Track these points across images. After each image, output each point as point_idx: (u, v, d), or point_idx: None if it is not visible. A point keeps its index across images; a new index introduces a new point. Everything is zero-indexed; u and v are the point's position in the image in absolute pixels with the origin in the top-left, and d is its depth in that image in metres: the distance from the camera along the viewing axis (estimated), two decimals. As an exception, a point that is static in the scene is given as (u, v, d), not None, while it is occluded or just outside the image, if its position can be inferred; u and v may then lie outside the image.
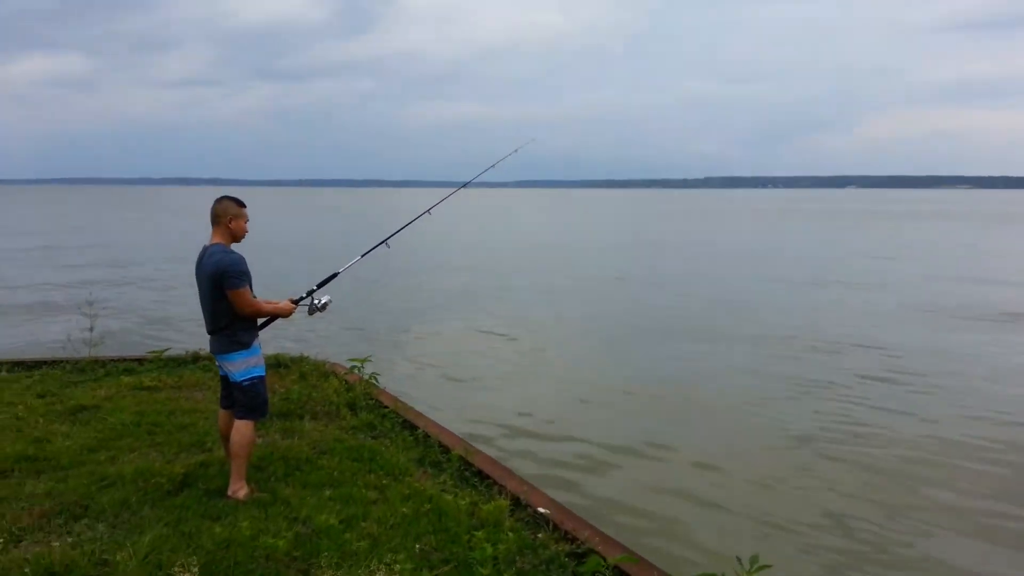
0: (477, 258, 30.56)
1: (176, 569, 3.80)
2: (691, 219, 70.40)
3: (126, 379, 7.78)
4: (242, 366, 4.87)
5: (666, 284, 22.80)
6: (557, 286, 22.13)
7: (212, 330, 4.89)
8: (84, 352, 8.64)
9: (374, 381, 7.26)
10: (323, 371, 8.07)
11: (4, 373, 8.21)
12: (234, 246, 4.91)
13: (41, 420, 6.39)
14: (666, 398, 10.47)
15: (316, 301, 5.22)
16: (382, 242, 5.74)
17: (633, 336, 14.96)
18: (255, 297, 4.91)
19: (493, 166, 6.87)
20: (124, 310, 17.28)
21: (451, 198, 6.71)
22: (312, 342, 12.48)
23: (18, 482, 5.03)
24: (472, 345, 13.69)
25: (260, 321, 5.05)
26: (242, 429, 4.90)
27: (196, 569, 3.81)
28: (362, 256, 5.62)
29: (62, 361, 8.56)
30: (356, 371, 7.38)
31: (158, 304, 18.29)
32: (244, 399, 4.91)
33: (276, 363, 8.41)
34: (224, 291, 4.76)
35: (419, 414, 6.74)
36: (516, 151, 7.16)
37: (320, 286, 5.32)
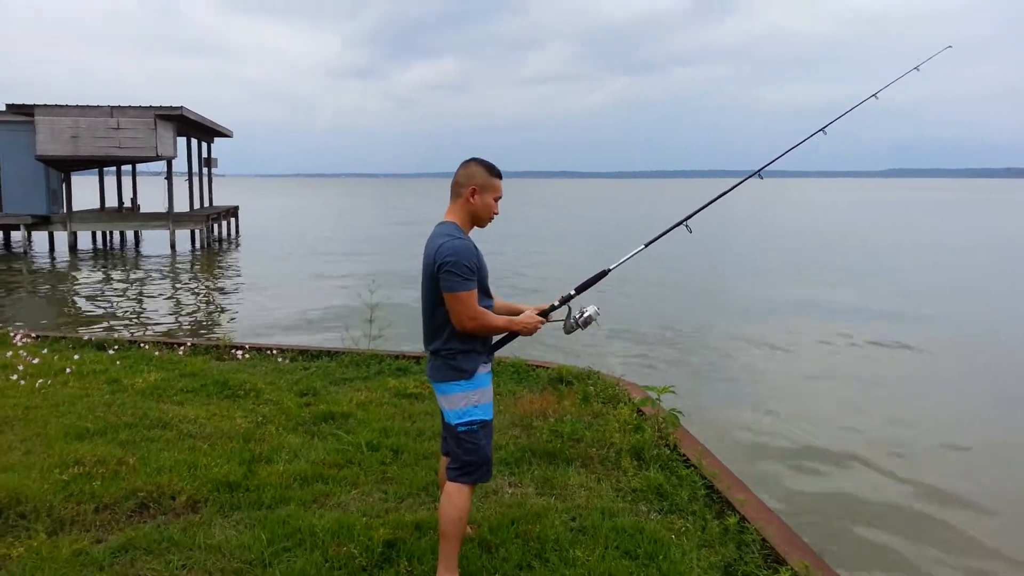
0: (828, 257, 26.52)
1: None
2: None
3: (392, 382, 6.75)
4: (460, 403, 3.27)
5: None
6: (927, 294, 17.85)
7: (427, 345, 3.36)
8: (365, 345, 7.90)
9: (676, 417, 5.25)
10: (613, 394, 6.25)
11: (287, 363, 7.74)
12: (474, 232, 3.38)
13: (278, 430, 5.48)
14: None
15: (576, 315, 3.43)
16: (679, 223, 3.74)
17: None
18: (486, 307, 3.29)
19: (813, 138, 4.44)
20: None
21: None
22: (580, 354, 10.81)
23: (199, 521, 3.98)
24: (819, 370, 10.82)
25: (495, 339, 3.39)
26: (452, 496, 3.29)
27: None
28: (647, 245, 3.67)
29: (343, 352, 7.89)
30: (652, 404, 5.41)
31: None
32: (458, 452, 3.30)
33: (558, 378, 6.79)
34: (439, 292, 3.20)
35: (735, 480, 4.58)
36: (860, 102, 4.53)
37: (581, 290, 3.50)
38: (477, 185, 3.28)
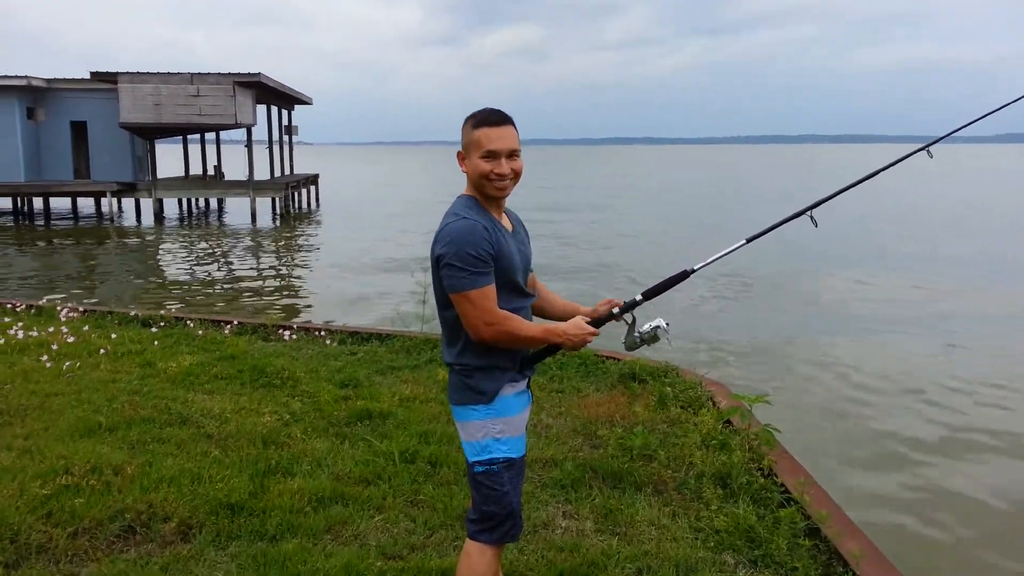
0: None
1: None
2: None
3: (442, 373, 5.99)
4: (477, 433, 2.48)
5: None
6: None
7: (444, 356, 2.58)
8: (417, 327, 7.20)
9: (771, 435, 4.29)
10: (694, 396, 5.32)
11: (335, 345, 7.11)
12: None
13: (305, 431, 4.80)
14: None
15: (641, 328, 2.55)
16: (801, 213, 2.73)
17: None
18: (516, 309, 2.47)
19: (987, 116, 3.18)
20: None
21: (911, 160, 3.21)
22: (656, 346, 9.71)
23: (187, 554, 3.33)
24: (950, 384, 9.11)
25: (528, 353, 2.54)
26: (472, 558, 2.52)
27: None
28: (749, 240, 2.69)
29: (394, 336, 7.20)
30: (743, 416, 4.45)
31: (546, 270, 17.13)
32: (477, 499, 2.53)
33: (630, 374, 5.89)
34: (445, 291, 2.40)
35: (847, 524, 3.61)
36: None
37: (652, 295, 2.59)
38: (463, 147, 2.44)
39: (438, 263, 2.37)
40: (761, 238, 2.64)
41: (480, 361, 2.44)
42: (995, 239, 20.86)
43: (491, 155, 2.36)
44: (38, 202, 27.88)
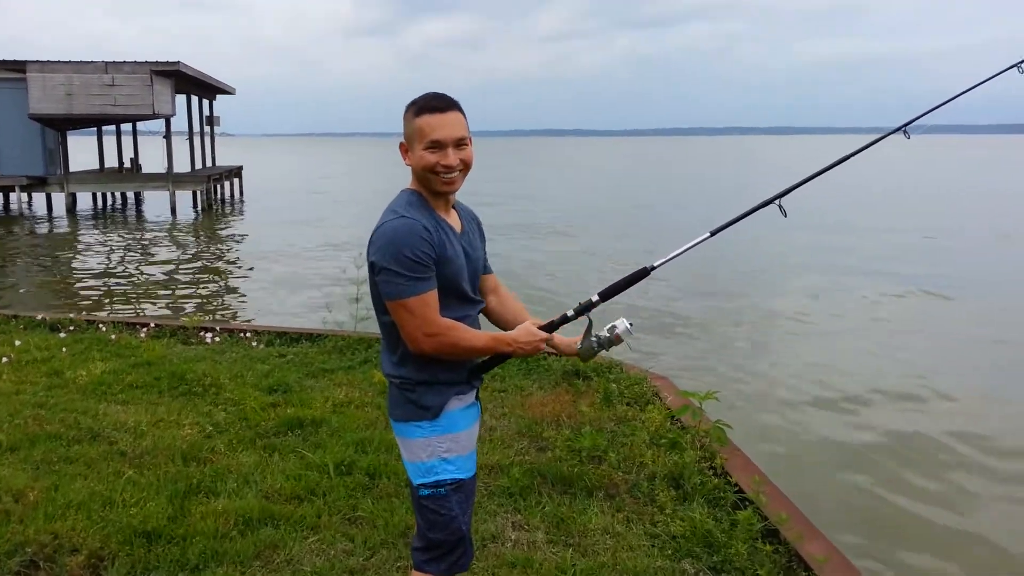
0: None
1: None
2: None
3: (378, 375, 5.69)
4: (421, 453, 2.24)
5: None
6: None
7: (382, 367, 2.33)
8: (351, 326, 6.87)
9: (723, 432, 4.17)
10: (640, 392, 5.19)
11: (262, 347, 6.72)
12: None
13: (230, 444, 4.46)
14: None
15: (600, 332, 2.35)
16: (769, 202, 2.54)
17: None
18: (462, 317, 2.25)
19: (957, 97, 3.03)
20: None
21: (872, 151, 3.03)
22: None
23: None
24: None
25: (476, 363, 2.31)
26: (416, 590, 2.28)
27: None
28: (713, 233, 2.50)
29: (326, 336, 6.86)
30: (693, 414, 4.31)
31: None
32: (422, 525, 2.29)
33: (574, 371, 5.72)
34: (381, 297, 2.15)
35: (807, 526, 3.49)
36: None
37: (608, 295, 2.38)
38: (405, 138, 2.20)
39: (373, 267, 2.12)
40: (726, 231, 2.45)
41: (422, 374, 2.20)
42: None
43: (436, 145, 2.11)
44: (-63, 198, 26.13)
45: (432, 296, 2.11)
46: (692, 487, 3.77)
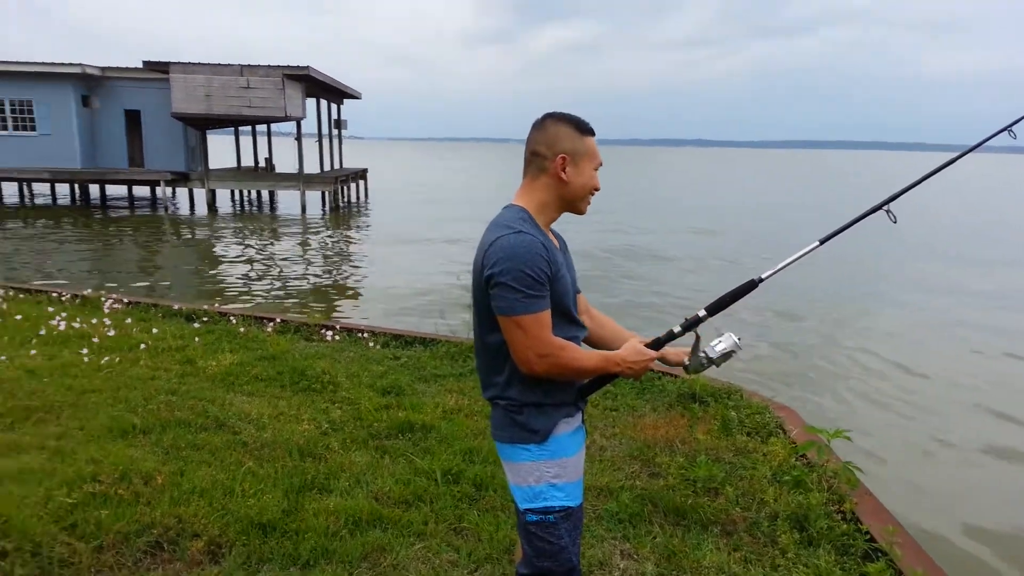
0: None
1: None
2: None
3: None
4: (529, 477, 2.18)
5: None
6: None
7: (483, 388, 2.27)
8: (464, 333, 6.91)
9: (853, 474, 3.89)
10: (761, 423, 4.93)
11: (378, 348, 6.86)
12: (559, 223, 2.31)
13: (344, 443, 4.54)
14: None
15: (707, 347, 2.27)
16: (877, 208, 2.40)
17: None
18: (571, 338, 2.21)
19: None
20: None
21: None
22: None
23: (213, 582, 3.08)
24: None
25: (582, 384, 2.25)
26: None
27: None
28: (822, 242, 2.36)
29: (439, 342, 6.92)
30: (820, 452, 4.04)
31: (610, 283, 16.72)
32: (528, 552, 2.22)
33: (690, 394, 5.50)
34: (492, 314, 2.12)
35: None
36: None
37: (716, 310, 2.27)
38: (567, 152, 2.15)
39: (488, 281, 2.07)
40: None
41: (530, 396, 2.15)
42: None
43: (597, 168, 2.22)
44: (94, 188, 28.40)
45: (546, 316, 2.07)
46: (818, 531, 3.52)
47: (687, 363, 2.29)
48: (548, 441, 2.16)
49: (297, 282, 14.13)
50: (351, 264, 16.89)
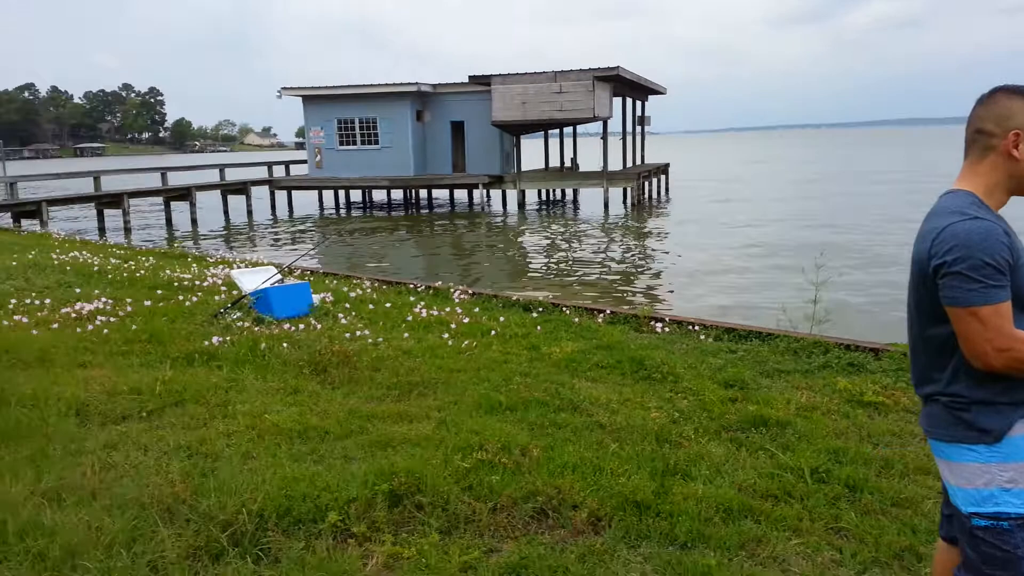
0: None
1: None
2: None
3: (842, 382, 5.36)
4: (976, 479, 2.00)
5: None
6: None
7: (918, 387, 2.14)
8: (805, 328, 6.57)
9: None
10: None
11: (710, 341, 6.80)
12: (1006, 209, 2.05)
13: (696, 432, 4.55)
14: None
15: None
16: None
17: None
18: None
19: None
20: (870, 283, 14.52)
21: None
22: None
23: (600, 548, 3.24)
24: None
25: None
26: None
27: None
28: None
29: (777, 336, 6.66)
30: None
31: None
32: (972, 557, 2.04)
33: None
34: (938, 305, 1.97)
35: None
36: None
37: None
38: (1021, 128, 1.93)
39: (937, 271, 1.92)
40: None
41: (981, 393, 1.96)
42: None
43: None
44: (422, 192, 31.82)
45: (1007, 307, 1.88)
46: None
47: None
48: (1002, 443, 1.96)
49: (611, 275, 14.54)
50: (661, 257, 16.99)
